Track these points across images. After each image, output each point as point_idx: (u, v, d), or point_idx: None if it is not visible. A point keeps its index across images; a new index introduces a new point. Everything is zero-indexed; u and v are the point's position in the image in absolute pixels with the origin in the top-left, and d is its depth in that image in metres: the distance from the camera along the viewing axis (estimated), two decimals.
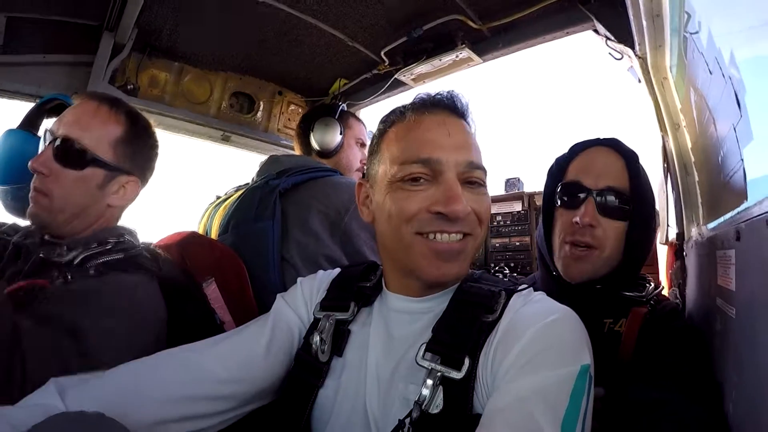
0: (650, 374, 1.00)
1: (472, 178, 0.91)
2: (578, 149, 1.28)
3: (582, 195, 1.19)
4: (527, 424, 0.66)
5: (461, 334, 0.83)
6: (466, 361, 0.79)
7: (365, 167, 1.04)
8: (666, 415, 0.91)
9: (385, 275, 1.03)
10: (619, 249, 1.18)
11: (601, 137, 1.27)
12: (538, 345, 0.75)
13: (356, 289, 1.03)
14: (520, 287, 0.92)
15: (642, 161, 1.23)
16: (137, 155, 1.29)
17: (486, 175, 0.94)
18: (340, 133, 1.98)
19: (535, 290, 0.94)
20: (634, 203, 1.18)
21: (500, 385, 0.74)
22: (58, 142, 1.17)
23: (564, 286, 1.22)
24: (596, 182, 1.19)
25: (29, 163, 1.16)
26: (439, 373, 0.79)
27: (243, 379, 0.92)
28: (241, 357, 0.94)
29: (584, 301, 1.11)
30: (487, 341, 0.82)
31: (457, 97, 0.98)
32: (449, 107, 0.96)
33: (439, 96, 0.97)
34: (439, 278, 0.89)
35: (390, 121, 0.99)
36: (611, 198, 1.17)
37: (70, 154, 1.17)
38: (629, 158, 1.21)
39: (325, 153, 1.95)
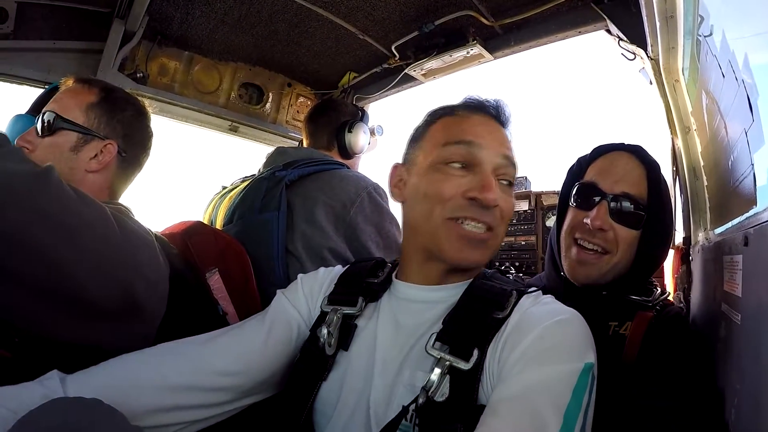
0: (654, 380, 1.00)
1: (505, 175, 0.97)
2: (600, 152, 1.26)
3: (596, 197, 1.18)
4: (531, 412, 0.69)
5: (472, 327, 0.85)
6: (475, 353, 0.81)
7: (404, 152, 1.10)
8: (672, 423, 0.91)
9: (403, 262, 1.05)
10: (629, 257, 1.17)
11: (626, 143, 1.25)
12: (546, 342, 0.78)
13: (364, 285, 1.05)
14: (530, 289, 0.94)
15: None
16: (114, 120, 1.33)
17: (515, 176, 1.01)
18: (368, 142, 2.07)
19: (543, 290, 0.96)
20: (650, 213, 1.16)
21: (507, 377, 0.77)
22: (38, 120, 1.27)
23: (570, 288, 1.22)
24: (612, 186, 1.17)
25: (15, 141, 1.21)
26: (447, 363, 0.81)
27: (240, 372, 0.94)
28: (239, 350, 0.96)
29: (590, 303, 1.11)
30: (495, 336, 0.84)
31: (503, 107, 1.04)
32: (493, 114, 1.03)
33: (487, 102, 1.04)
34: (461, 261, 0.94)
35: (438, 114, 1.06)
36: (626, 204, 1.15)
37: (45, 124, 1.26)
38: (651, 167, 1.19)
39: (350, 154, 2.00)
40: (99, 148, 1.29)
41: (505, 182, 0.97)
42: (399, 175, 1.07)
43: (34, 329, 0.95)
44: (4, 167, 0.84)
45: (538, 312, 0.86)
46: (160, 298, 1.12)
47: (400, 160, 1.10)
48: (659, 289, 1.21)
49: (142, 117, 1.42)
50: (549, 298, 0.93)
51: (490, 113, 1.02)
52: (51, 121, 1.26)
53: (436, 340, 0.84)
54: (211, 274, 1.37)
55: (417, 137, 1.06)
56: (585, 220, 1.17)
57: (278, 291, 1.12)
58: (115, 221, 1.02)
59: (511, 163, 0.98)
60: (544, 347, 0.78)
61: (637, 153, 1.21)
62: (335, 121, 1.98)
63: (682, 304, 1.44)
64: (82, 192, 0.99)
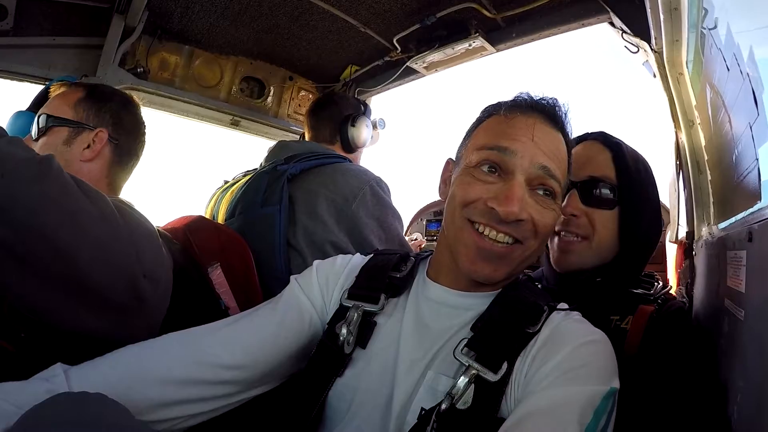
0: (654, 373, 1.00)
1: (543, 185, 0.91)
2: None
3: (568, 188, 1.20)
4: (556, 427, 0.69)
5: (503, 339, 0.84)
6: (504, 366, 0.80)
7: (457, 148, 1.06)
8: (671, 416, 0.91)
9: (435, 261, 1.03)
10: (612, 238, 1.18)
11: (589, 132, 1.28)
12: (576, 361, 0.78)
13: (388, 280, 1.01)
14: (560, 305, 0.93)
15: (650, 155, 1.25)
16: (102, 111, 1.38)
17: (561, 189, 0.94)
18: (371, 136, 2.07)
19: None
20: (621, 190, 1.18)
21: (533, 391, 0.77)
22: (32, 125, 1.35)
23: (563, 279, 1.22)
24: (579, 174, 1.19)
25: None
26: (474, 372, 0.79)
27: (247, 365, 0.92)
28: (247, 342, 0.94)
29: (587, 295, 1.11)
30: (524, 350, 0.83)
31: (559, 105, 0.97)
32: (545, 113, 0.95)
33: (541, 100, 0.97)
34: (470, 272, 0.91)
35: (488, 111, 1.01)
36: (593, 187, 1.18)
37: (38, 126, 1.33)
38: (616, 148, 1.21)
39: (353, 148, 2.00)
40: (91, 138, 1.33)
41: (542, 192, 0.91)
42: (449, 171, 1.04)
43: (41, 317, 0.96)
44: (14, 152, 0.87)
45: (570, 329, 0.85)
46: (164, 292, 1.12)
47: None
48: (660, 283, 1.22)
49: (130, 105, 1.46)
50: (578, 315, 0.91)
51: (541, 111, 0.95)
52: (43, 122, 1.33)
53: (465, 346, 0.83)
54: (213, 269, 1.38)
55: (468, 135, 1.03)
56: None
57: (292, 277, 1.09)
58: (117, 211, 1.03)
59: (550, 175, 0.90)
60: (573, 366, 0.77)
61: (600, 138, 1.24)
62: (337, 114, 1.98)
63: (684, 299, 1.44)
64: (83, 181, 1.00)
